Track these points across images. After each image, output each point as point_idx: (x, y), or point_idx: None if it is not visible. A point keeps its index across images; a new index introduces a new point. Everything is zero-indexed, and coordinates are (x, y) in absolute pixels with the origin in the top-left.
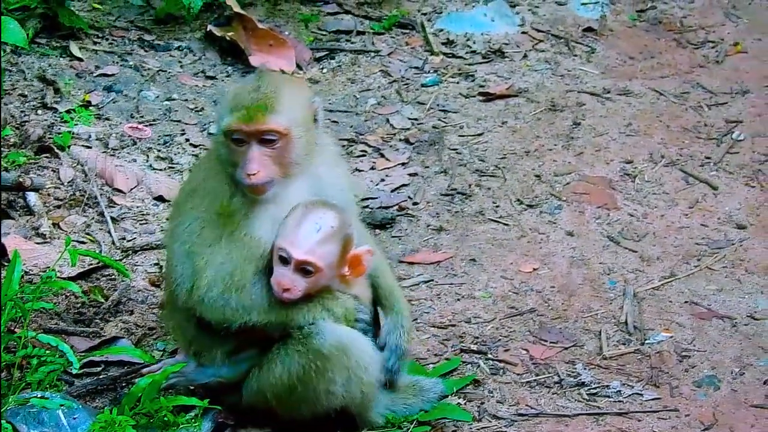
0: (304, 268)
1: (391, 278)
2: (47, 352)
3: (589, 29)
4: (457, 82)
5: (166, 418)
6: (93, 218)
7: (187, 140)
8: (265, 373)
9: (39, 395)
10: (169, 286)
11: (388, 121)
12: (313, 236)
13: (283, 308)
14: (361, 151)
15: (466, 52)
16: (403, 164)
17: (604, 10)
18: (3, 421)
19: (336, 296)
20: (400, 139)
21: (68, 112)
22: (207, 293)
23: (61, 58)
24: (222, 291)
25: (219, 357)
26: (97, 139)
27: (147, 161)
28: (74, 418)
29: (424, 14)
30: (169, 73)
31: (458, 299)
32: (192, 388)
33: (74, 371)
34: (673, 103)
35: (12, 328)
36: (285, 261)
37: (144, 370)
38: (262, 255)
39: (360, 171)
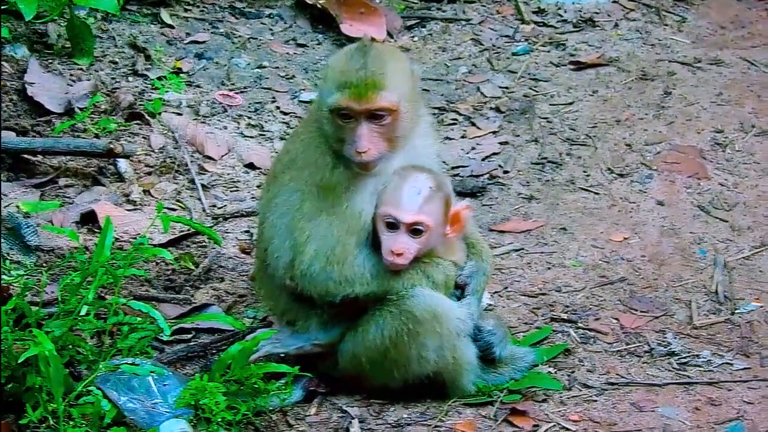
0: (415, 229)
1: (475, 229)
2: (138, 319)
3: None
4: (548, 51)
5: (256, 386)
6: (183, 185)
7: (278, 108)
8: (360, 335)
9: (129, 362)
10: (262, 256)
11: (478, 89)
12: (416, 197)
13: (384, 278)
14: (452, 119)
15: (557, 21)
16: (494, 133)
17: None
18: (93, 388)
19: (436, 263)
20: (491, 108)
21: (159, 79)
22: (309, 267)
23: (151, 25)
24: (324, 265)
25: (314, 325)
26: (187, 106)
27: (238, 128)
28: (165, 385)
29: None
30: (260, 40)
31: (549, 268)
32: (283, 355)
33: (165, 338)
34: (764, 73)
35: (103, 295)
36: (393, 226)
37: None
38: (363, 227)
39: (451, 139)
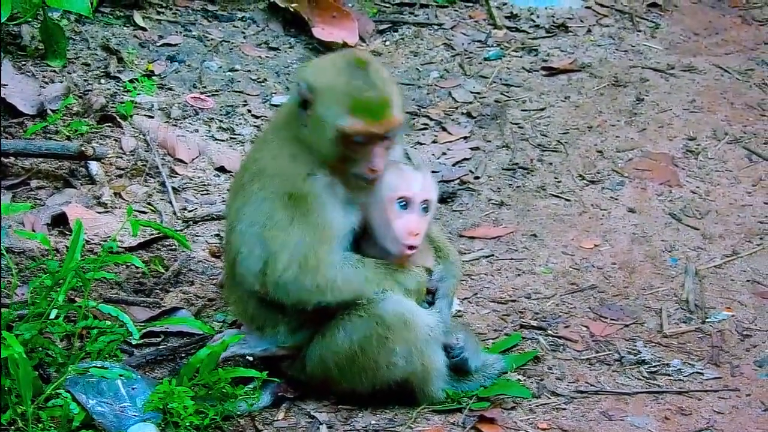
0: (425, 207)
1: (441, 233)
2: (108, 322)
3: (653, 5)
4: (521, 57)
5: (224, 390)
6: (154, 188)
7: (249, 111)
8: (328, 339)
9: (98, 365)
10: (231, 264)
11: (450, 94)
12: (419, 176)
13: (356, 285)
14: (423, 124)
15: (530, 27)
16: (465, 138)
17: None
18: (62, 390)
19: (407, 270)
20: (462, 113)
21: (131, 81)
22: (282, 276)
23: (124, 28)
24: (297, 274)
25: (282, 331)
26: (159, 109)
27: (209, 132)
28: (133, 389)
29: None
30: (232, 43)
31: (519, 274)
32: (252, 359)
33: (134, 342)
34: (737, 80)
35: (73, 298)
36: (405, 207)
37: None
38: (335, 236)
39: (421, 144)
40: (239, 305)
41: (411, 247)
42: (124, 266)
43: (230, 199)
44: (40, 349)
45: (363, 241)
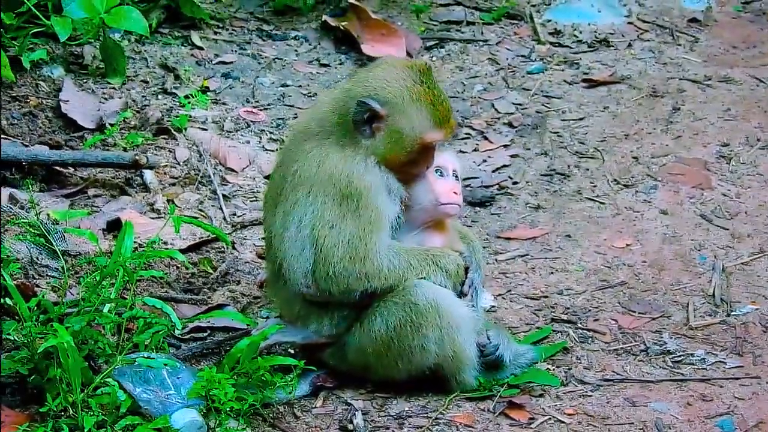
0: (455, 175)
1: (462, 226)
2: (154, 315)
3: (694, 20)
4: (562, 70)
5: (263, 378)
6: (206, 195)
7: None
8: (366, 326)
9: (145, 356)
10: (276, 269)
11: (493, 106)
12: (444, 151)
13: (401, 271)
14: (466, 134)
15: (573, 42)
16: (505, 146)
17: (710, 1)
18: (111, 380)
19: (447, 254)
20: (504, 123)
21: (186, 97)
22: (334, 269)
23: (182, 47)
24: (347, 264)
25: (326, 323)
26: (213, 122)
27: (260, 142)
28: (178, 378)
29: (533, 5)
30: (285, 61)
31: (552, 272)
32: (293, 350)
33: (178, 333)
34: None
35: (123, 295)
36: (441, 175)
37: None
38: (384, 226)
39: (463, 152)
40: (286, 306)
41: (454, 206)
42: (174, 267)
43: (268, 209)
44: (91, 341)
45: (401, 232)
